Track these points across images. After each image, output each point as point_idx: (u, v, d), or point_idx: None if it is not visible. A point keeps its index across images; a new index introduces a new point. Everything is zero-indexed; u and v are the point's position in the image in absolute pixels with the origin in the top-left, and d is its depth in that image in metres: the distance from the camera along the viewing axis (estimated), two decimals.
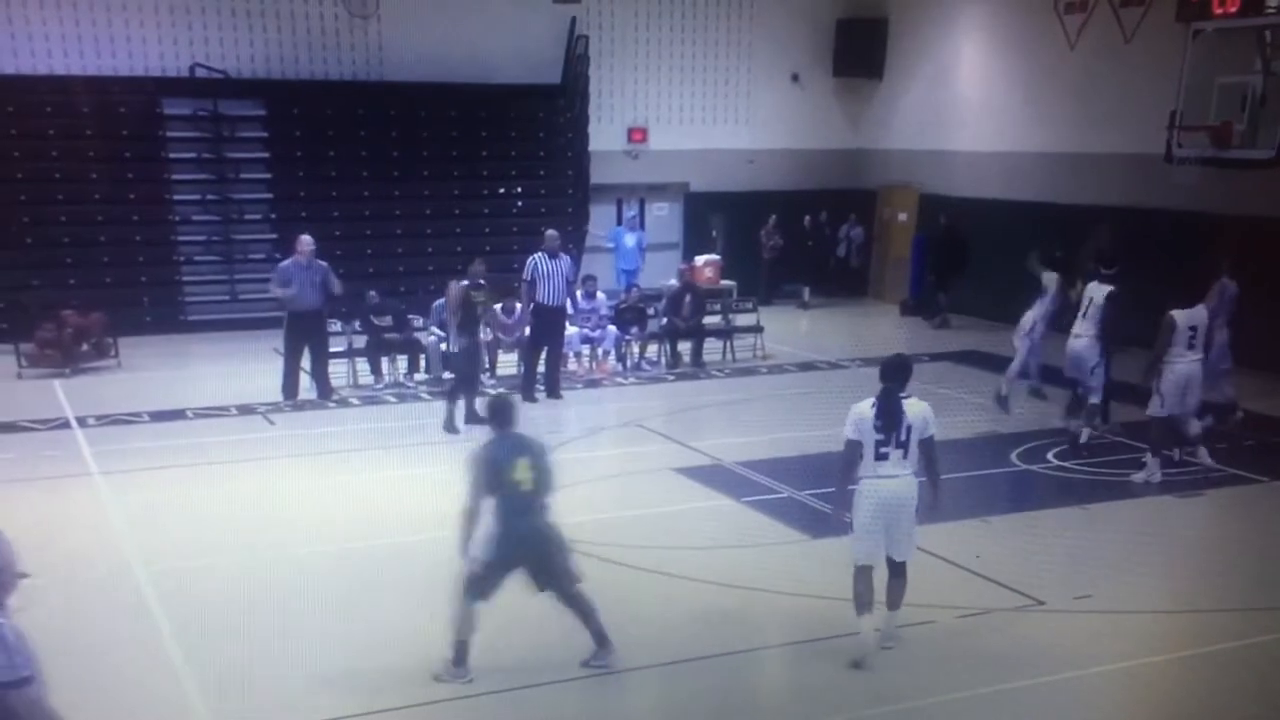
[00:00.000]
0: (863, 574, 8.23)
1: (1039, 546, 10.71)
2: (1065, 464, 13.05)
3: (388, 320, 16.95)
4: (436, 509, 11.58)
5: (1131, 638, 8.76)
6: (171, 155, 21.34)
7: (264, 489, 12.02)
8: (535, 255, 15.92)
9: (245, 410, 15.33)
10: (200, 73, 21.35)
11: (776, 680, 8.21)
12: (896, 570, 8.38)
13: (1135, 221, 19.35)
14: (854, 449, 8.10)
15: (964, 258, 22.47)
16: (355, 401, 15.98)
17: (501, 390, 13.24)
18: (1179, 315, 12.25)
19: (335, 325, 16.47)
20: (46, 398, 15.86)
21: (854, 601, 8.22)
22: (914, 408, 8.12)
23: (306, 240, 15.62)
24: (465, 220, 22.59)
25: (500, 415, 8.09)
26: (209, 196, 21.45)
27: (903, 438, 8.05)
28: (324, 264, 15.68)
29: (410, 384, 16.82)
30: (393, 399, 16.21)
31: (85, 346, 17.77)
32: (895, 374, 8.26)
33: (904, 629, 8.65)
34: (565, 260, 16.11)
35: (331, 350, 16.22)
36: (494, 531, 7.78)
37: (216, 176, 21.54)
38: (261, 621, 8.66)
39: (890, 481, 8.08)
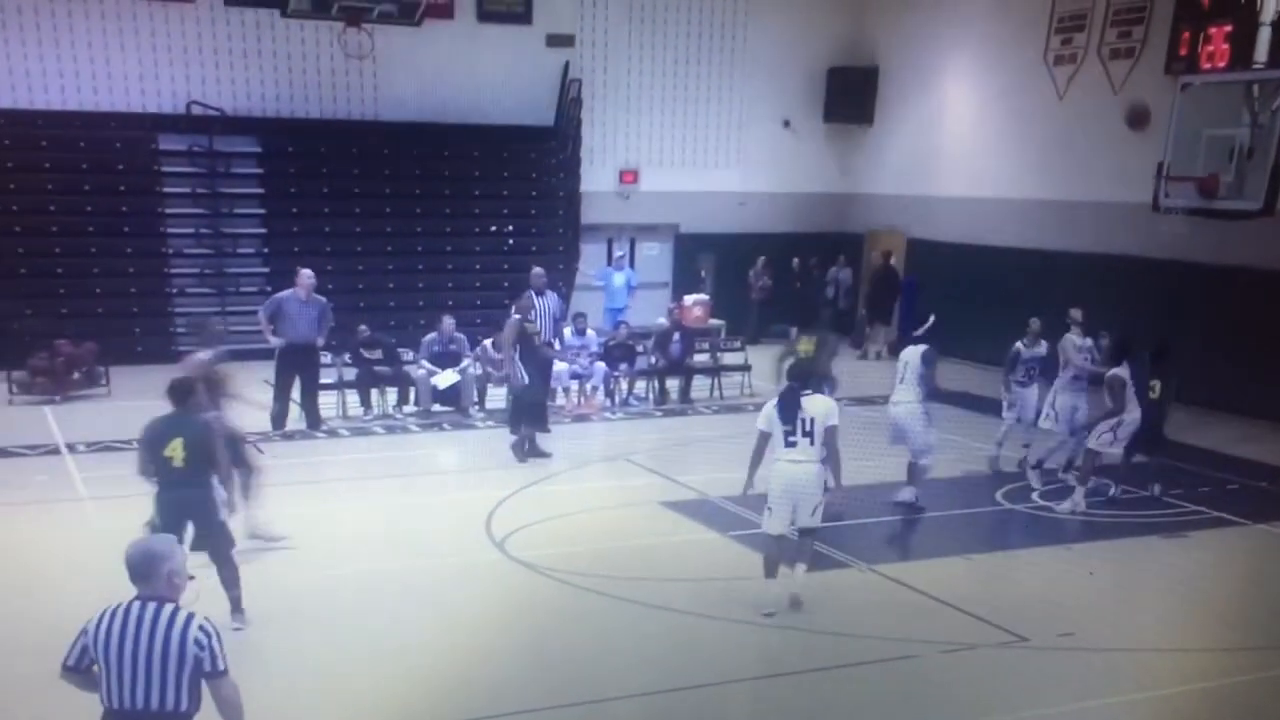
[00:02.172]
0: (772, 542, 9.56)
1: (1023, 584, 10.70)
2: (1050, 504, 13.03)
3: (378, 354, 16.93)
4: (420, 535, 11.72)
5: (1115, 675, 8.72)
6: (166, 190, 21.34)
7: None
8: (527, 293, 15.91)
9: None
10: (196, 110, 21.39)
11: (757, 712, 8.15)
12: (805, 534, 9.69)
13: (1122, 269, 19.48)
14: (763, 438, 9.43)
15: (897, 293, 23.87)
16: (344, 432, 15.93)
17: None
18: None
19: (326, 357, 16.44)
20: (37, 424, 15.77)
21: (763, 565, 9.59)
22: (815, 404, 9.46)
23: (307, 274, 15.65)
24: (457, 257, 22.62)
25: (174, 394, 8.94)
26: (202, 230, 21.43)
27: (807, 428, 9.36)
28: (322, 299, 15.70)
29: (399, 416, 16.78)
30: (381, 430, 16.15)
31: (77, 375, 17.70)
32: (798, 376, 9.75)
33: (886, 663, 8.65)
34: (553, 297, 16.09)
35: (321, 382, 16.18)
36: (154, 498, 8.84)
37: (210, 211, 21.54)
38: (250, 643, 8.59)
39: (795, 466, 9.35)
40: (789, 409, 9.33)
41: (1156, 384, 13.13)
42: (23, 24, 20.34)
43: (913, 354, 12.96)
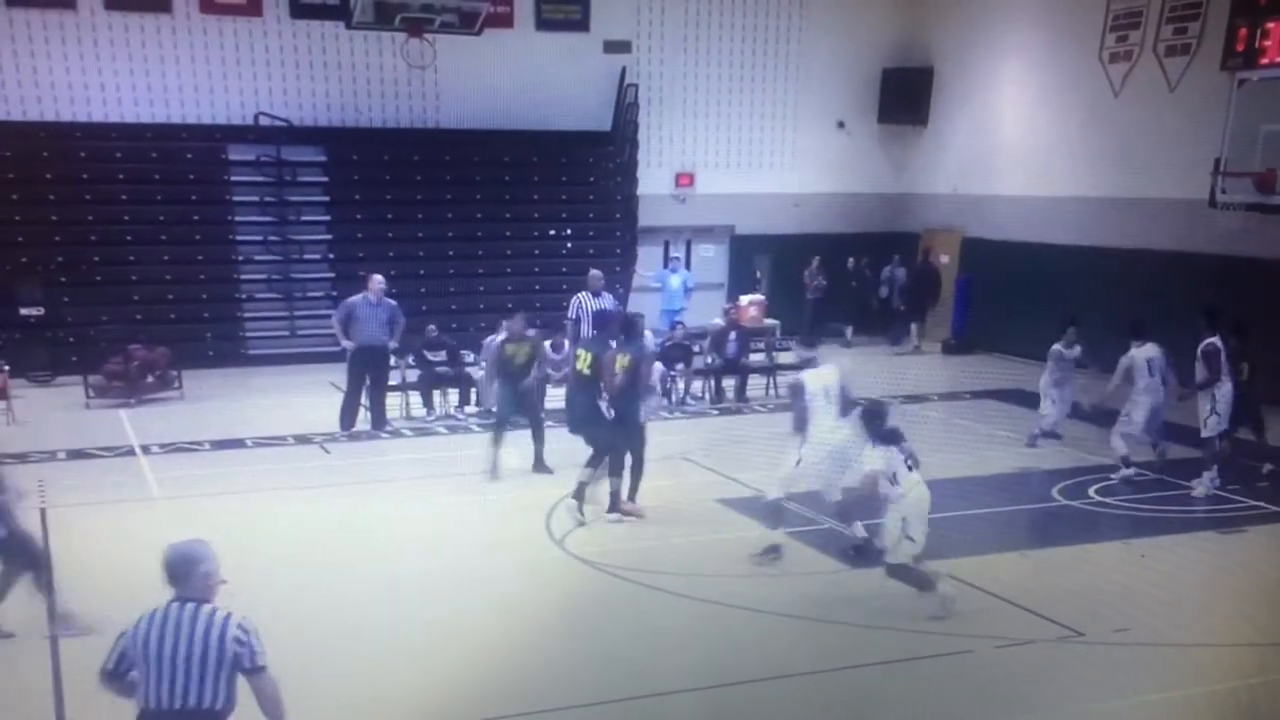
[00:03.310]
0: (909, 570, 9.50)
1: (1079, 580, 10.53)
2: (1107, 500, 12.86)
3: (441, 355, 17.05)
4: (481, 532, 11.79)
5: (1171, 671, 8.59)
6: (235, 198, 21.69)
7: (319, 513, 12.12)
8: (579, 295, 16.02)
9: (302, 440, 15.46)
10: (264, 121, 21.70)
11: (814, 706, 8.10)
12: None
13: (1179, 265, 19.20)
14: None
15: (935, 291, 23.90)
16: (407, 432, 16.06)
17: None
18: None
19: (394, 360, 16.58)
20: (113, 426, 16.05)
21: (917, 582, 9.42)
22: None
23: (378, 279, 15.88)
24: (516, 260, 22.75)
25: None
26: (270, 237, 21.73)
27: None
28: (392, 303, 15.87)
29: (460, 416, 16.89)
30: (443, 430, 16.27)
31: (150, 378, 17.99)
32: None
33: (941, 658, 8.58)
34: (609, 299, 16.15)
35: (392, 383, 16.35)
36: None
37: (278, 219, 21.84)
38: (317, 639, 8.69)
39: (924, 488, 9.58)
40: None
41: (1245, 366, 13.13)
42: (97, 40, 20.74)
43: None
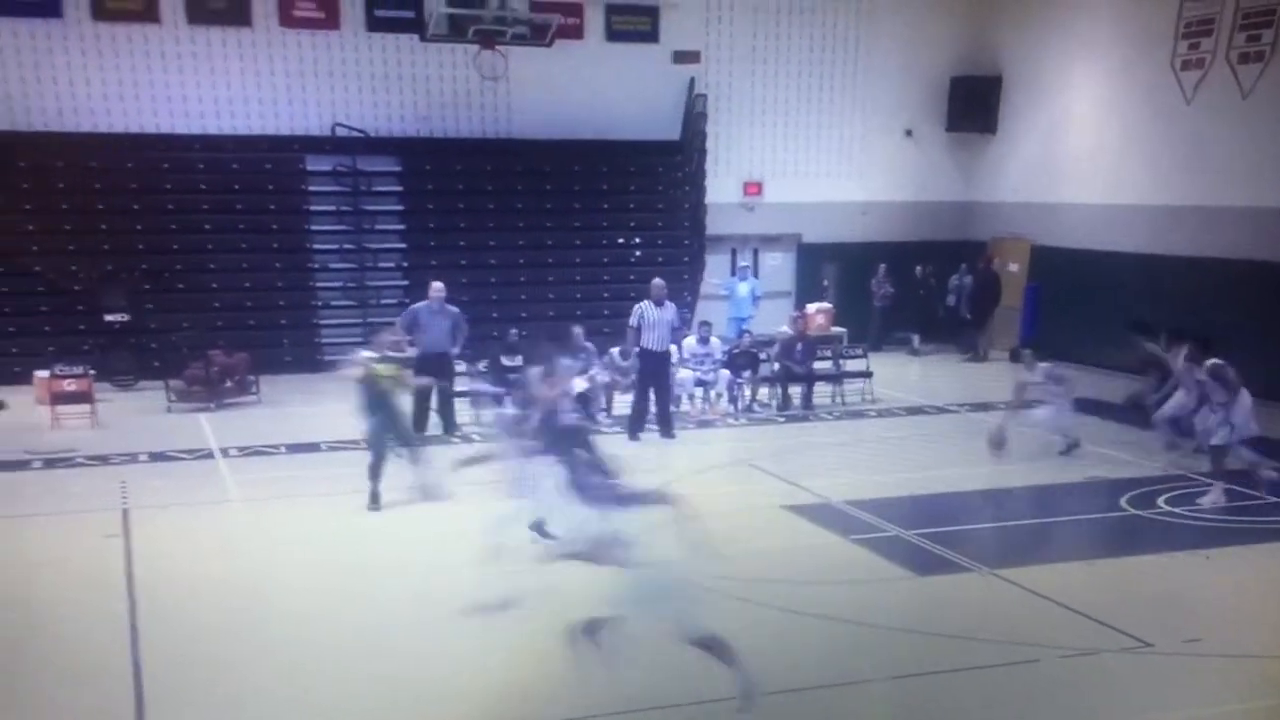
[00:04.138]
0: None
1: (1148, 590, 10.31)
2: (1176, 510, 12.58)
3: (518, 360, 17.08)
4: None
5: (1244, 682, 8.35)
6: (312, 208, 21.94)
7: (394, 516, 12.21)
8: (642, 303, 16.03)
9: None
10: (341, 131, 21.94)
11: (874, 714, 7.99)
12: None
13: (1253, 274, 18.77)
14: None
15: (996, 298, 23.66)
16: (478, 437, 16.12)
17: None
18: None
19: (460, 365, 16.65)
20: (193, 430, 16.28)
21: None
22: None
23: (437, 286, 15.95)
24: (585, 269, 22.80)
25: None
26: (346, 246, 21.97)
27: None
28: (455, 309, 15.97)
29: None
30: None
31: (229, 383, 18.24)
32: None
33: (1007, 667, 8.44)
34: (671, 308, 16.14)
35: (458, 389, 16.41)
36: None
37: (353, 227, 22.06)
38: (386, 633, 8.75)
39: None
40: None
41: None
42: (180, 53, 21.08)
43: None
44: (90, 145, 20.53)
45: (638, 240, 23.33)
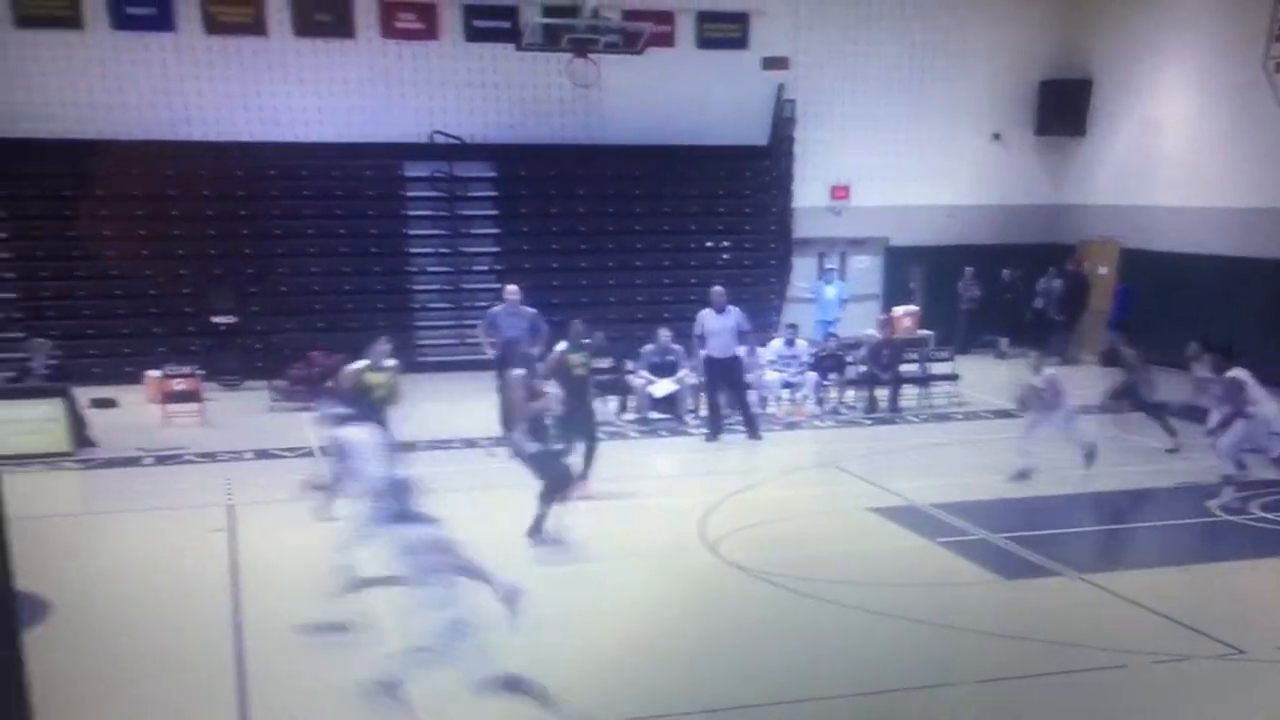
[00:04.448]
0: None
1: (1239, 595, 10.15)
2: (1268, 515, 12.33)
3: (608, 362, 17.26)
4: (635, 537, 11.88)
5: None
6: (410, 213, 22.36)
7: (488, 513, 12.38)
8: (702, 311, 16.15)
9: (469, 443, 15.83)
10: (438, 139, 22.30)
11: (964, 717, 7.98)
12: None
13: None
14: None
15: (1083, 301, 23.45)
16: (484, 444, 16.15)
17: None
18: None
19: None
20: (295, 428, 16.65)
21: None
22: None
23: (512, 289, 16.51)
24: (674, 272, 22.92)
25: None
26: (442, 250, 22.35)
27: None
28: (531, 310, 16.26)
29: (618, 422, 17.07)
30: (600, 436, 16.42)
31: (330, 383, 18.59)
32: None
33: (1096, 672, 8.36)
34: (734, 313, 16.16)
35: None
36: None
37: (449, 232, 22.44)
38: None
39: None
40: None
41: None
42: (285, 64, 21.60)
43: None
44: (201, 154, 21.10)
45: (726, 244, 23.40)
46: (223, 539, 11.60)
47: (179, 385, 17.44)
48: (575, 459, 12.50)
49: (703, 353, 16.18)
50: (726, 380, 16.14)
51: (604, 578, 10.52)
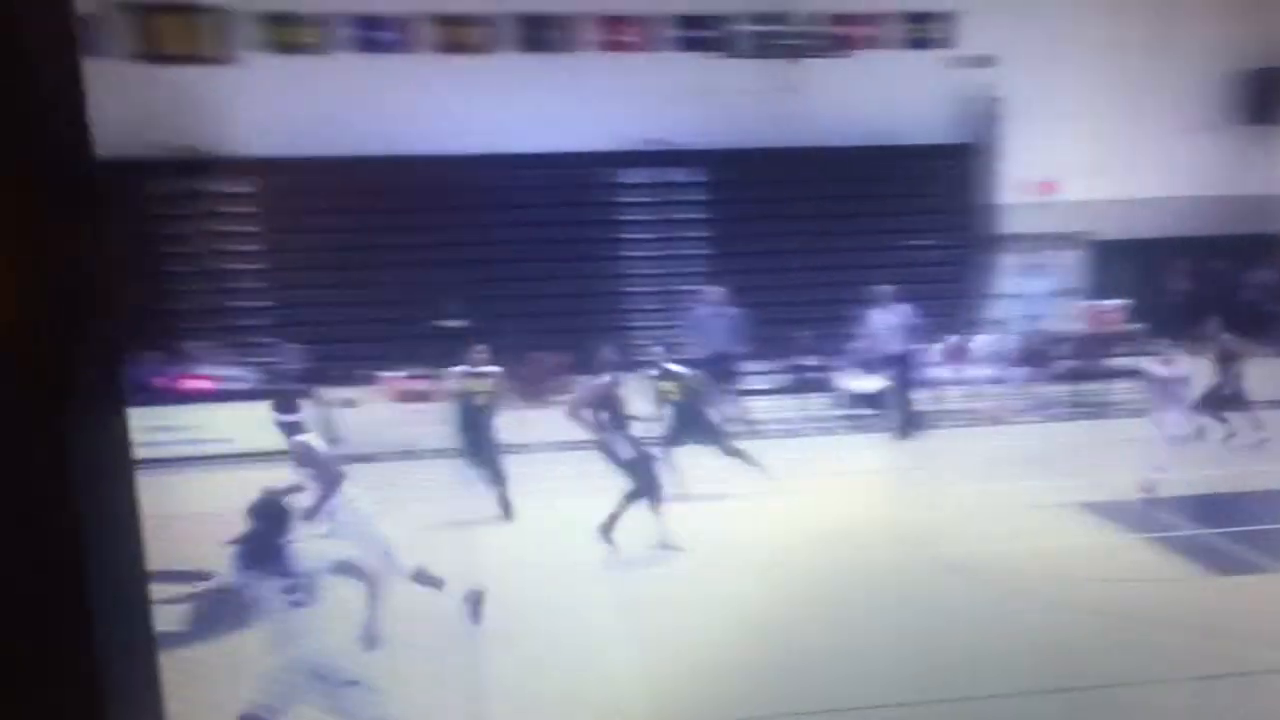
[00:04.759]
0: None
1: None
2: None
3: (811, 360, 17.71)
4: (842, 529, 12.19)
5: None
6: (623, 218, 23.20)
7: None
8: (870, 310, 16.45)
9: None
10: (652, 146, 23.01)
11: (1173, 714, 8.10)
12: None
13: None
14: None
15: None
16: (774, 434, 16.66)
17: None
18: None
19: (757, 365, 17.34)
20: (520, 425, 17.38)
21: None
22: None
23: (713, 291, 17.14)
24: (885, 271, 22.98)
25: None
26: (653, 254, 23.12)
27: None
28: (735, 310, 16.82)
29: (826, 419, 17.48)
30: (812, 431, 16.87)
31: (550, 383, 19.59)
32: None
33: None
34: (903, 310, 16.46)
35: (755, 388, 17.16)
36: None
37: (663, 236, 23.17)
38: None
39: None
40: None
41: None
42: (510, 81, 22.63)
43: None
44: (434, 166, 22.31)
45: (931, 242, 23.44)
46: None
47: (416, 386, 18.65)
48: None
49: (879, 350, 16.58)
50: (900, 376, 16.44)
51: (802, 568, 10.92)
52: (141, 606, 3.42)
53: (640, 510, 11.55)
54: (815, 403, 17.66)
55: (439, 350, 21.20)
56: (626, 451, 11.67)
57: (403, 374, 19.06)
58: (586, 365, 20.42)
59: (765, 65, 22.62)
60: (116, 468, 3.46)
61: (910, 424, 16.45)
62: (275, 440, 9.89)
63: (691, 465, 13.70)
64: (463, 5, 22.41)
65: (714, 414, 14.24)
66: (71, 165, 3.31)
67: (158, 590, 3.73)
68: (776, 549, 11.49)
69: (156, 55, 20.94)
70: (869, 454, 15.98)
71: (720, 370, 16.61)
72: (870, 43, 22.92)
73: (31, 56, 3.00)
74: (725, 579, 10.65)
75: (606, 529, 11.59)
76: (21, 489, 3.06)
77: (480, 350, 14.12)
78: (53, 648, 3.15)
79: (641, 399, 13.25)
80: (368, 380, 20.18)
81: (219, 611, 9.03)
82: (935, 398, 17.70)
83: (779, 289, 22.10)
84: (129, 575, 3.45)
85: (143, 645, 3.41)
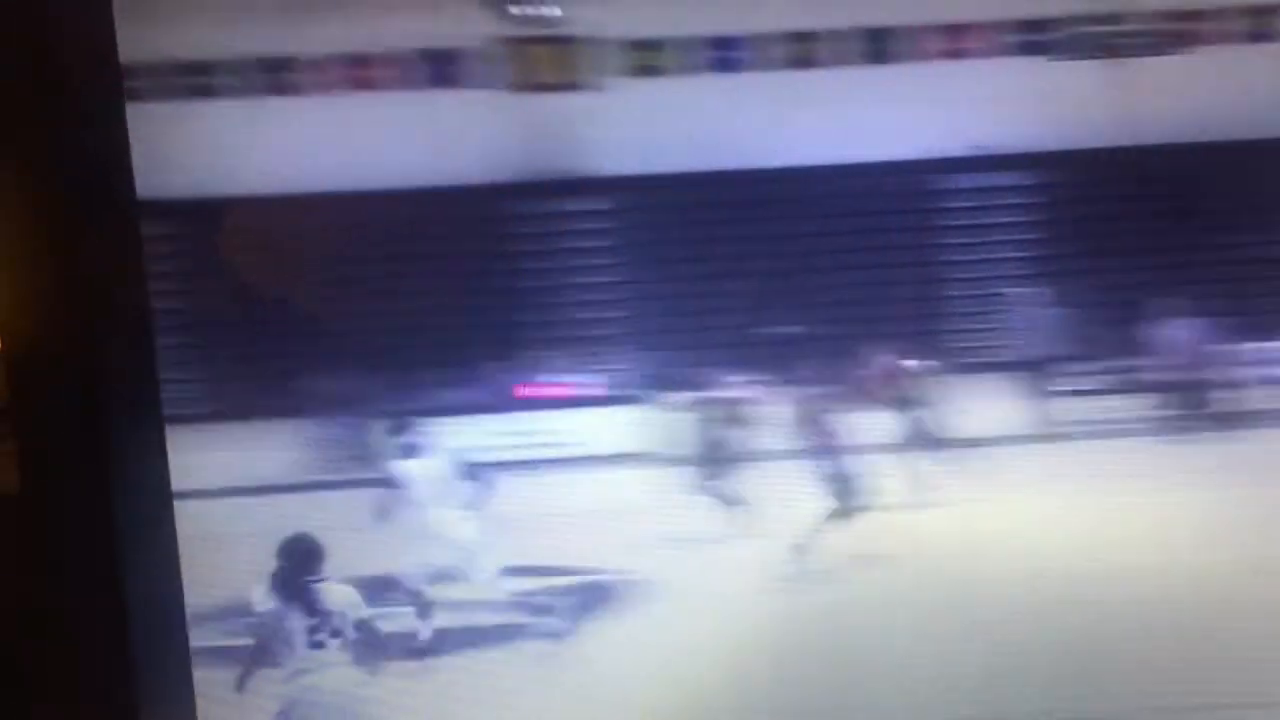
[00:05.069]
0: None
1: None
2: None
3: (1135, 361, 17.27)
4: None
5: None
6: (942, 223, 23.12)
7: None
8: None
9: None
10: (973, 152, 22.90)
11: None
12: None
13: None
14: None
15: None
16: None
17: None
18: None
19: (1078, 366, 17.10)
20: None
21: None
22: None
23: (1040, 291, 16.64)
24: (1231, 268, 21.98)
25: None
26: (970, 258, 23.02)
27: None
28: (1059, 310, 16.63)
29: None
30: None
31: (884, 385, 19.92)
32: None
33: None
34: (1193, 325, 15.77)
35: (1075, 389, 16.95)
36: None
37: (983, 241, 23.03)
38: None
39: None
40: None
41: None
42: (828, 95, 23.17)
43: None
44: (772, 180, 22.41)
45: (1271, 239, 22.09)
46: None
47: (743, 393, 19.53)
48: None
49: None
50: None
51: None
52: (180, 633, 3.62)
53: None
54: (1131, 403, 17.19)
55: (771, 356, 21.96)
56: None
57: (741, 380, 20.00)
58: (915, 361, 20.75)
59: (1099, 65, 22.10)
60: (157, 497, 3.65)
61: (1221, 424, 15.82)
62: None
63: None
64: (813, 22, 22.88)
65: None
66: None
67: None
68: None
69: (534, 84, 21.92)
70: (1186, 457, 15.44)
71: (1041, 370, 16.56)
72: (1205, 38, 21.90)
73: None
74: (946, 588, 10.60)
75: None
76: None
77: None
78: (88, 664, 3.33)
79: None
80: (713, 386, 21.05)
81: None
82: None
83: (1115, 289, 21.49)
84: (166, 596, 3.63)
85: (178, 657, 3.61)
